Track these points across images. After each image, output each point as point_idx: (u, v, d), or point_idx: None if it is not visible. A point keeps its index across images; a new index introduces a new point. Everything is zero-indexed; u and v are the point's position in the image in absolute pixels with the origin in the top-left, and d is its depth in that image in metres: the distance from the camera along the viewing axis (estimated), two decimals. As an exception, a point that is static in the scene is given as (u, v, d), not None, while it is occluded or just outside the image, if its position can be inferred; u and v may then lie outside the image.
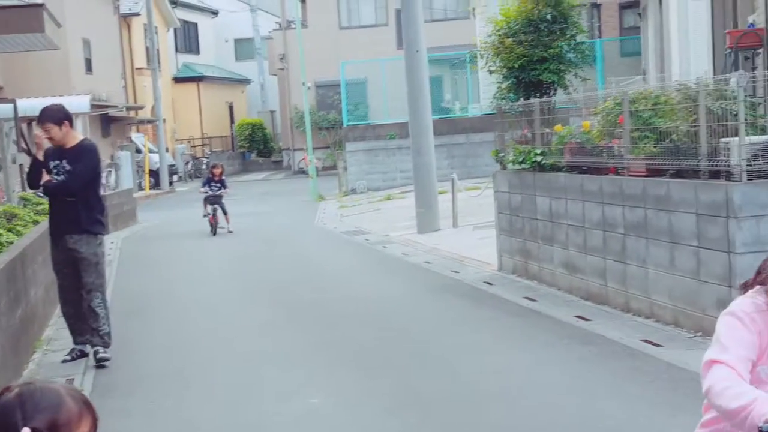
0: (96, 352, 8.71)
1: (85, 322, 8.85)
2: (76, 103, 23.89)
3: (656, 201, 8.55)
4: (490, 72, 12.44)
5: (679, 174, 8.42)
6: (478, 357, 8.10)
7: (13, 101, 21.00)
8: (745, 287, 3.10)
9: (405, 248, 15.76)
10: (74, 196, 8.60)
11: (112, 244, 20.01)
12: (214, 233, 19.88)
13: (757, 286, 3.04)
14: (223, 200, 20.51)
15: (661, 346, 7.84)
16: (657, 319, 8.67)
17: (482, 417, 6.44)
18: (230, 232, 20.15)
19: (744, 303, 3.03)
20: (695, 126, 8.11)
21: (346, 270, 14.16)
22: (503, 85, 12.18)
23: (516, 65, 11.66)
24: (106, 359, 8.65)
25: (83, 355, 8.91)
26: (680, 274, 8.24)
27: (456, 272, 12.72)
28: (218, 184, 20.67)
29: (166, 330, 10.43)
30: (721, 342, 2.96)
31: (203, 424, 6.83)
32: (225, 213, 20.37)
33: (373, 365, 8.11)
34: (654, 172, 8.73)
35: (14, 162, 20.15)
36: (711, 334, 7.59)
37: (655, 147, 8.69)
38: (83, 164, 8.60)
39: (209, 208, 20.28)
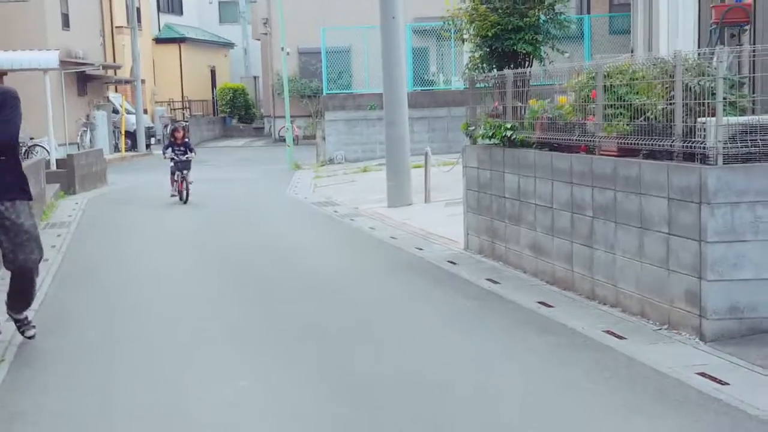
0: (24, 331, 7.97)
1: None
2: (44, 59, 23.15)
3: (627, 183, 7.99)
4: (463, 41, 11.80)
5: (651, 155, 7.86)
6: (427, 342, 7.55)
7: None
8: None
9: (373, 222, 15.21)
10: (7, 149, 7.34)
11: (76, 205, 19.51)
12: (185, 200, 18.83)
13: None
14: (191, 165, 19.23)
15: (624, 338, 7.30)
16: (623, 308, 8.13)
17: (419, 410, 5.88)
18: (185, 192, 19.01)
19: None
20: (671, 104, 7.54)
21: (308, 242, 13.60)
22: (476, 55, 11.53)
23: (490, 34, 11.00)
24: (34, 335, 7.97)
25: None
26: (648, 262, 7.70)
27: (420, 249, 12.17)
28: (182, 148, 19.19)
29: (108, 299, 9.88)
30: None
31: (121, 405, 6.26)
32: (188, 168, 19.08)
33: (315, 346, 7.55)
34: (626, 152, 8.17)
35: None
36: (678, 328, 7.12)
37: (628, 125, 8.12)
38: (11, 110, 7.30)
39: (177, 175, 19.00)
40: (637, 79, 8.31)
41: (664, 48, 18.87)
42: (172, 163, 19.17)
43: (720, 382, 6.02)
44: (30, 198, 7.59)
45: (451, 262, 11.09)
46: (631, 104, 8.15)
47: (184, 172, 19.01)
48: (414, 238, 13.26)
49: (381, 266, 11.23)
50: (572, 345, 7.22)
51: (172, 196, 19.08)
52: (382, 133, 18.80)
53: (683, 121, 7.33)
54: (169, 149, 19.30)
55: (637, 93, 8.19)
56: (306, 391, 6.38)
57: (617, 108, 8.32)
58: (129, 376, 6.95)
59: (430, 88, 29.57)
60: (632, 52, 24.42)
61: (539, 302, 8.73)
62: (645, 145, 7.78)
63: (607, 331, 7.51)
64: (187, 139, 19.83)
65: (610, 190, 8.27)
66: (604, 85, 8.50)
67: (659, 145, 7.58)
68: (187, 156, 19.11)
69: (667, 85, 7.74)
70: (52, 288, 10.51)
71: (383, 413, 5.87)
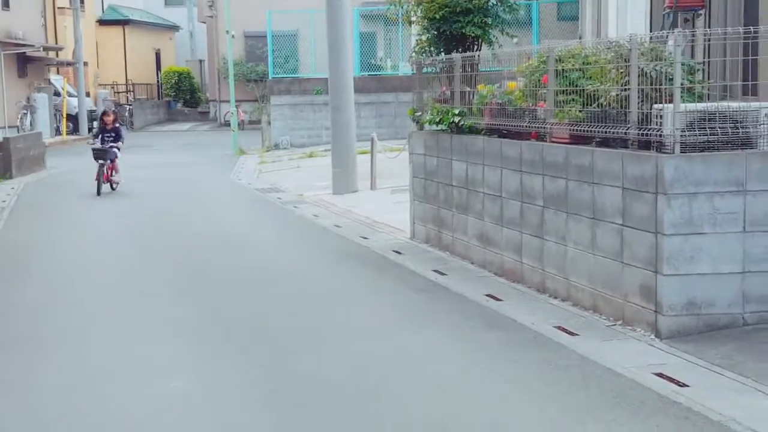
0: None
1: None
2: (-22, 39, 22.27)
3: (579, 172, 7.67)
4: (410, 23, 11.41)
5: (605, 143, 7.54)
6: (370, 338, 7.17)
7: None
8: None
9: (317, 209, 14.79)
10: None
11: (12, 190, 18.88)
12: (98, 193, 17.02)
13: None
14: (116, 150, 17.61)
15: (576, 334, 6.97)
16: (574, 302, 7.81)
17: (363, 414, 5.51)
18: (115, 184, 17.72)
19: None
20: (626, 89, 7.22)
21: (250, 231, 13.14)
22: (423, 38, 11.15)
23: (437, 16, 10.63)
24: None
25: None
26: (601, 254, 7.38)
27: (365, 238, 11.78)
28: (111, 135, 17.75)
29: (34, 292, 9.37)
30: None
31: (40, 410, 5.80)
32: (113, 160, 17.54)
33: (254, 343, 7.15)
34: (578, 140, 7.83)
35: None
36: (632, 324, 6.76)
37: (580, 111, 7.79)
38: None
39: (100, 164, 17.30)
40: (590, 63, 7.99)
41: (613, 35, 18.65)
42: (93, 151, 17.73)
43: (678, 383, 5.70)
44: None
45: (397, 252, 10.72)
46: (583, 90, 7.83)
47: (105, 161, 17.31)
48: (359, 226, 12.87)
49: (325, 256, 10.82)
50: (522, 342, 6.88)
51: (95, 179, 17.27)
52: (329, 118, 18.33)
53: (638, 108, 7.02)
54: (98, 137, 17.86)
55: (590, 78, 7.86)
56: (243, 393, 5.96)
57: (569, 93, 7.99)
58: (50, 377, 6.47)
59: (378, 73, 29.15)
60: (580, 38, 24.22)
61: (488, 295, 8.38)
62: (598, 132, 7.46)
63: (559, 327, 7.18)
64: (118, 124, 18.31)
65: (562, 179, 7.94)
66: (556, 70, 8.17)
67: (613, 133, 7.25)
68: (112, 144, 17.56)
69: (621, 70, 7.42)
70: (-24, 279, 10.03)
71: (325, 416, 5.48)
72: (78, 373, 6.51)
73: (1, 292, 9.36)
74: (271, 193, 17.17)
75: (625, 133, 7.11)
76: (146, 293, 9.10)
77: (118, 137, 17.81)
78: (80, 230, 13.57)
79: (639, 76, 7.04)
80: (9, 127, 29.90)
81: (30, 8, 35.47)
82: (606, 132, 7.32)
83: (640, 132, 6.92)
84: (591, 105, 7.67)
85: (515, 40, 11.97)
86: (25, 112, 32.62)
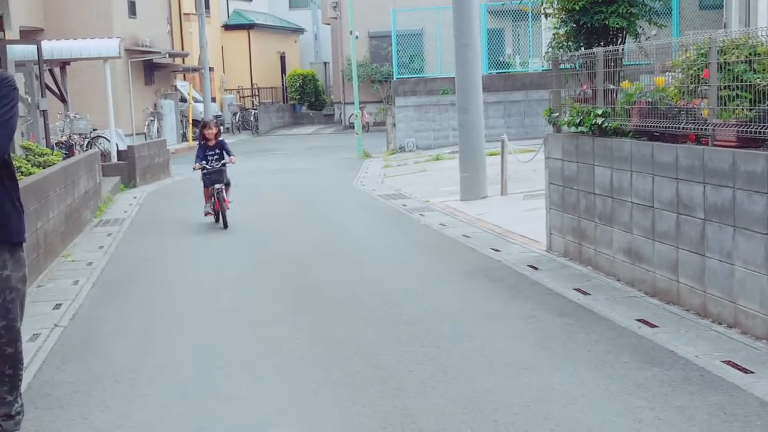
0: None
1: None
2: (105, 47, 22.13)
3: (750, 180, 6.60)
4: (546, 15, 10.42)
5: (781, 146, 6.47)
6: (504, 375, 6.22)
7: (37, 42, 19.43)
8: None
9: (444, 218, 13.91)
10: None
11: (134, 199, 18.61)
12: (225, 225, 13.88)
13: None
14: (227, 172, 14.44)
15: (751, 371, 5.92)
16: (743, 330, 6.74)
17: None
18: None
19: None
20: (808, 83, 6.15)
21: (373, 241, 12.35)
22: (561, 32, 10.16)
23: (577, 7, 9.64)
24: None
25: None
26: (779, 276, 6.31)
27: (497, 251, 10.83)
28: (216, 152, 14.24)
29: (145, 314, 8.75)
30: None
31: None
32: (228, 184, 14.31)
33: (373, 380, 6.27)
34: (748, 143, 6.77)
35: (38, 107, 18.71)
36: (818, 360, 5.66)
37: (750, 110, 6.73)
38: (7, 106, 4.94)
39: (211, 189, 14.06)
40: (760, 54, 6.92)
41: (764, 23, 17.25)
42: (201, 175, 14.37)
43: None
44: (22, 239, 5.22)
45: (533, 267, 9.76)
46: (752, 85, 6.76)
47: (217, 186, 13.96)
48: (490, 236, 11.94)
49: (452, 272, 9.91)
50: (687, 382, 5.85)
51: (206, 214, 14.42)
52: (455, 119, 17.46)
53: (825, 105, 5.94)
54: (201, 159, 14.24)
55: (764, 71, 6.79)
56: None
57: (735, 90, 6.93)
58: (147, 423, 5.77)
59: (506, 70, 28.16)
60: (725, 28, 22.77)
61: (639, 320, 7.37)
62: (773, 133, 6.39)
63: (728, 362, 6.14)
64: (222, 139, 14.65)
65: (728, 187, 6.88)
66: (718, 63, 7.11)
67: (793, 134, 6.18)
68: (222, 162, 14.17)
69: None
70: (89, 298, 9.52)
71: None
72: (175, 425, 5.78)
73: (109, 315, 8.80)
74: (396, 200, 16.37)
75: (808, 135, 6.04)
76: (257, 318, 8.38)
77: (223, 153, 14.33)
78: (197, 241, 13.05)
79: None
80: (136, 134, 29.99)
81: (156, 15, 35.65)
82: (783, 133, 6.25)
83: (828, 133, 5.84)
84: (763, 102, 6.60)
85: (654, 32, 10.89)
86: (152, 119, 32.80)
